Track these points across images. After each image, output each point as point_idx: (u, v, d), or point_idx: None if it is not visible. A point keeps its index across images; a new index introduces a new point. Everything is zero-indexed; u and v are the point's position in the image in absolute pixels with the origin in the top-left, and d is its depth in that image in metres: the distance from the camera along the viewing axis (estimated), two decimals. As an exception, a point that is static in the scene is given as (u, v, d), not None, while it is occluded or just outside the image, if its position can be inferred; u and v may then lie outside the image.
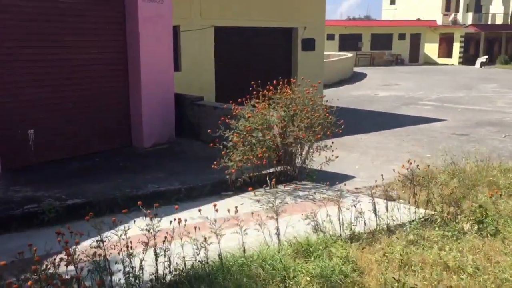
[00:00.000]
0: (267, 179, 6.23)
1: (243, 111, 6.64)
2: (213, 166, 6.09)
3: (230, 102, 7.07)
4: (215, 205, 4.05)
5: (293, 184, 6.82)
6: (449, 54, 42.06)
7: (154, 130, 8.58)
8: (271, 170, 6.75)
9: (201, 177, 6.67)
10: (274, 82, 7.04)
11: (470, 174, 7.19)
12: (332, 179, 7.66)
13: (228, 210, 4.20)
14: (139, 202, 3.98)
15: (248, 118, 6.49)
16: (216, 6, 11.80)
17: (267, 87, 6.92)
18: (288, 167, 6.88)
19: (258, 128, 6.34)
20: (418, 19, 42.49)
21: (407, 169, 5.54)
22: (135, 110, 8.53)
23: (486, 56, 39.27)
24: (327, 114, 6.75)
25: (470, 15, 41.86)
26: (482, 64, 37.43)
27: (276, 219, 4.49)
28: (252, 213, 4.64)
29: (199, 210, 4.30)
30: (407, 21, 42.22)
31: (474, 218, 5.18)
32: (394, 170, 6.10)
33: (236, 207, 4.33)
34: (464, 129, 12.59)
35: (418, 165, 5.84)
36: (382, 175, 5.66)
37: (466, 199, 5.57)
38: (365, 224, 4.93)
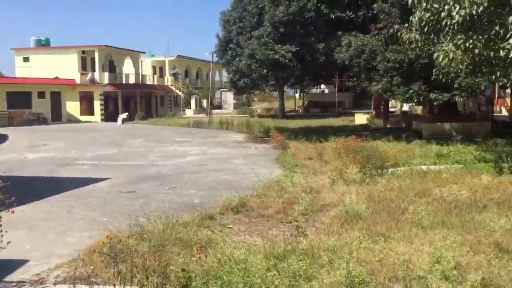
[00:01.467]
0: None
1: None
2: None
3: None
4: None
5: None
6: (91, 112, 42.84)
7: None
8: None
9: None
10: None
11: (157, 234, 7.12)
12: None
13: None
14: None
15: None
16: None
17: None
18: None
19: None
20: (57, 77, 41.75)
21: (109, 245, 4.94)
22: None
23: (127, 113, 41.90)
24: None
25: (106, 74, 44.12)
26: (124, 120, 39.70)
27: None
28: None
29: None
30: (45, 79, 40.74)
31: (179, 284, 5.04)
32: (97, 244, 5.36)
33: None
34: (128, 186, 12.68)
35: (119, 240, 5.32)
36: (81, 255, 4.86)
37: (170, 264, 5.38)
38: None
